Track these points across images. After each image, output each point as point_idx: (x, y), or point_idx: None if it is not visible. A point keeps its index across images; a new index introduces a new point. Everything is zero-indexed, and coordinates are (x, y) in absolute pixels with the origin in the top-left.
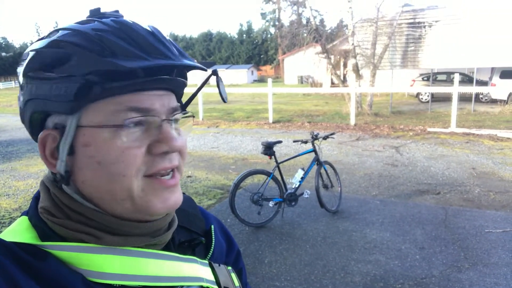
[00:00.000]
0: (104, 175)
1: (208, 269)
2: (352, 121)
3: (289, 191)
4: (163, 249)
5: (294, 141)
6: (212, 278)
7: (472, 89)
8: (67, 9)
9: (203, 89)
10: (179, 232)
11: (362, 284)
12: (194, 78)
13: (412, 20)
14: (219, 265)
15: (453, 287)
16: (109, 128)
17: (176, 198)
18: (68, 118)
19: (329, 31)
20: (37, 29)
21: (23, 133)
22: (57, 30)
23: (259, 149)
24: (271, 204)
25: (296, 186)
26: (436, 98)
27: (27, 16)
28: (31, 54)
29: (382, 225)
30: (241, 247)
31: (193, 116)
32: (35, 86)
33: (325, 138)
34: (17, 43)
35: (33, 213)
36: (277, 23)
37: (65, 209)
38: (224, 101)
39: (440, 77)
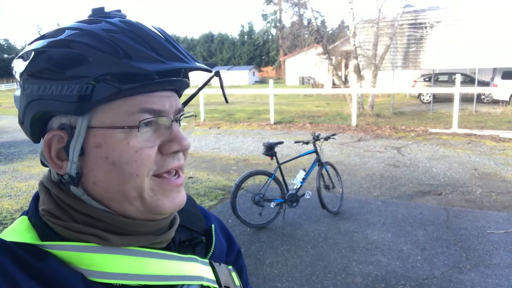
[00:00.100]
0: (117, 175)
1: (209, 268)
2: (354, 122)
3: (290, 192)
4: (164, 249)
5: (296, 142)
6: (212, 277)
7: (474, 90)
8: (68, 10)
9: (205, 90)
10: (180, 231)
11: (364, 285)
12: (194, 78)
13: (413, 21)
14: (220, 264)
15: None
16: (122, 129)
17: (182, 198)
18: (78, 119)
19: (331, 32)
20: (39, 31)
21: (25, 135)
22: (63, 29)
23: (261, 150)
24: (272, 205)
25: (298, 187)
26: (437, 99)
27: (28, 16)
28: (35, 53)
29: (384, 226)
30: (243, 248)
31: (195, 116)
32: (42, 87)
33: (326, 139)
34: (19, 45)
35: (33, 213)
36: (278, 24)
37: (70, 210)
38: (227, 102)
39: (441, 77)
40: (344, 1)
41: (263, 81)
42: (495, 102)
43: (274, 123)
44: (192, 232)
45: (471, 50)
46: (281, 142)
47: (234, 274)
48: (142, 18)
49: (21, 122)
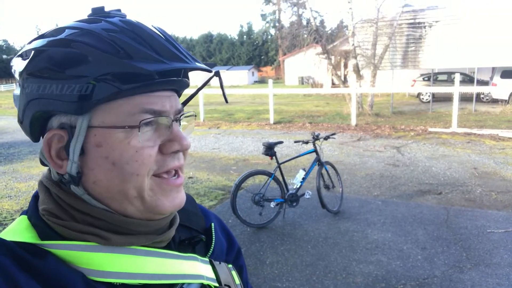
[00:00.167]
0: (118, 175)
1: (209, 267)
2: (353, 122)
3: (290, 191)
4: (164, 248)
5: (295, 142)
6: (212, 275)
7: (473, 89)
8: (67, 11)
9: (204, 90)
10: (180, 230)
11: (364, 284)
12: (194, 78)
13: (412, 21)
14: (220, 263)
15: None
16: (123, 128)
17: (181, 198)
18: (78, 118)
19: (330, 32)
20: (37, 31)
21: (25, 135)
22: (62, 29)
23: (260, 149)
24: (272, 204)
25: (298, 186)
26: (437, 98)
27: (27, 17)
28: (35, 52)
29: (384, 226)
30: (243, 248)
31: (195, 116)
32: (41, 86)
33: (326, 138)
34: (18, 45)
35: (32, 213)
36: (277, 24)
37: (70, 210)
38: (226, 102)
39: (440, 77)
40: (343, 1)
41: (262, 81)
42: (494, 101)
43: (274, 123)
44: (192, 231)
45: (470, 50)
46: (281, 142)
47: (234, 273)
48: (142, 18)
49: (21, 121)
